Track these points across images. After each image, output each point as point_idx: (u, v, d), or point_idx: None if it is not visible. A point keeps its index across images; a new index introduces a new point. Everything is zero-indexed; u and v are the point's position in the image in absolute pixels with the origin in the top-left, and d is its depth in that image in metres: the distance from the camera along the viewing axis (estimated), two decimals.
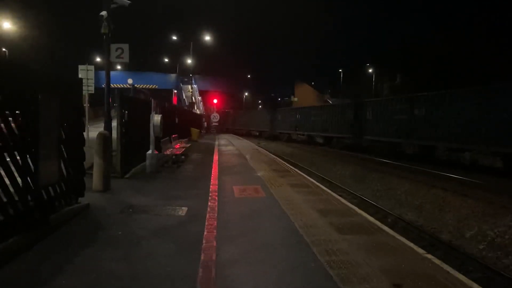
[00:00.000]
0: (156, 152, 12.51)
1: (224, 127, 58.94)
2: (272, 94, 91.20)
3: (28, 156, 5.38)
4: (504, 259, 7.85)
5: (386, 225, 7.19)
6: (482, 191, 13.04)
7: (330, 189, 10.59)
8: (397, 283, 4.20)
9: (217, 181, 10.86)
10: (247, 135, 51.22)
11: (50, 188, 6.10)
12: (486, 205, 11.17)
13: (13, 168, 5.02)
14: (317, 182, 11.67)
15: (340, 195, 10.27)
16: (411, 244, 5.64)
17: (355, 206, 8.53)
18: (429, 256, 5.14)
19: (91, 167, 9.16)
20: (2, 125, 4.84)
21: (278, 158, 18.65)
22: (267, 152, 22.53)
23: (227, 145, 26.93)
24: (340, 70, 76.24)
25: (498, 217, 10.12)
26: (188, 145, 20.98)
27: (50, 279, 4.17)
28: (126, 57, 12.31)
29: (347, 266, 4.67)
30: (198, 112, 56.44)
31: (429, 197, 12.80)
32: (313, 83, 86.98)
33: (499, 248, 8.39)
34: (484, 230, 9.45)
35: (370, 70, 64.62)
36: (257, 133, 50.94)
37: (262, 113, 56.86)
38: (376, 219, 7.49)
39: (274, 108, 53.21)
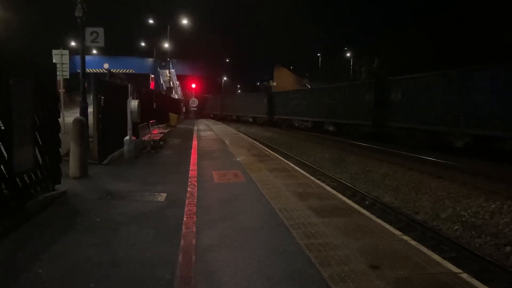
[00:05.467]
0: (134, 138, 12.37)
1: (203, 112, 58.77)
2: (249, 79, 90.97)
3: (1, 143, 5.25)
4: (477, 238, 8.07)
5: (364, 207, 7.31)
6: (457, 172, 13.35)
7: (308, 173, 10.68)
8: (374, 264, 4.28)
9: (196, 166, 10.82)
10: (223, 119, 51.82)
11: (25, 175, 5.98)
12: (460, 186, 11.45)
13: None
14: (296, 166, 11.74)
15: (318, 179, 10.37)
16: (388, 226, 5.74)
17: (334, 189, 8.63)
18: (406, 237, 5.25)
19: (67, 154, 9.01)
20: None
21: (257, 143, 18.68)
22: (246, 137, 22.53)
23: (206, 130, 26.83)
24: (318, 54, 76.36)
25: (472, 198, 10.39)
26: (167, 130, 20.79)
27: (26, 268, 4.11)
28: (101, 41, 12.09)
29: (325, 248, 4.73)
30: (176, 97, 55.93)
31: (405, 179, 13.04)
32: (291, 67, 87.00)
33: (472, 228, 8.62)
34: (458, 210, 9.70)
35: (348, 54, 64.87)
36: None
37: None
38: (354, 201, 7.60)
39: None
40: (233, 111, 52.22)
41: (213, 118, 54.28)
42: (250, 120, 45.99)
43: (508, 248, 7.38)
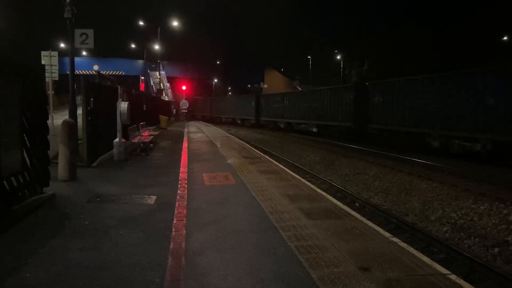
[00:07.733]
0: (124, 140, 12.30)
1: (194, 114, 58.55)
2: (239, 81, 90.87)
3: None
4: (466, 240, 8.14)
5: (354, 209, 7.33)
6: (446, 174, 13.45)
7: (299, 175, 10.69)
8: (364, 266, 4.29)
9: (186, 169, 10.78)
10: (215, 121, 51.31)
11: (12, 178, 5.91)
12: (450, 189, 11.53)
13: None
14: (287, 168, 11.75)
15: (309, 181, 10.39)
16: (378, 228, 5.76)
17: (324, 191, 8.65)
18: (396, 239, 5.27)
19: (56, 156, 8.92)
20: None
21: (248, 145, 18.67)
22: (237, 139, 22.51)
23: (197, 132, 26.76)
24: (309, 57, 76.64)
25: (461, 200, 10.47)
26: (157, 132, 20.72)
27: (14, 272, 4.05)
28: (91, 43, 11.97)
29: (316, 250, 4.73)
30: (166, 99, 55.69)
31: (395, 181, 13.10)
32: (282, 70, 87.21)
33: (461, 229, 8.69)
34: (448, 212, 9.77)
35: (339, 57, 65.16)
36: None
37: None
38: (344, 203, 7.62)
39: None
40: (279, 115, 36.04)
41: (241, 126, 44.17)
42: (314, 130, 29.67)
43: (496, 249, 7.45)
